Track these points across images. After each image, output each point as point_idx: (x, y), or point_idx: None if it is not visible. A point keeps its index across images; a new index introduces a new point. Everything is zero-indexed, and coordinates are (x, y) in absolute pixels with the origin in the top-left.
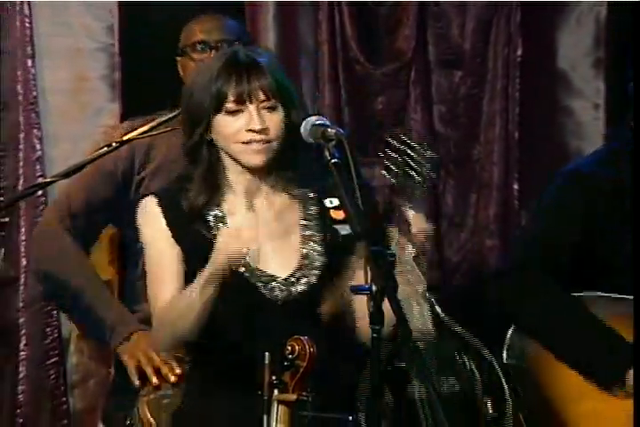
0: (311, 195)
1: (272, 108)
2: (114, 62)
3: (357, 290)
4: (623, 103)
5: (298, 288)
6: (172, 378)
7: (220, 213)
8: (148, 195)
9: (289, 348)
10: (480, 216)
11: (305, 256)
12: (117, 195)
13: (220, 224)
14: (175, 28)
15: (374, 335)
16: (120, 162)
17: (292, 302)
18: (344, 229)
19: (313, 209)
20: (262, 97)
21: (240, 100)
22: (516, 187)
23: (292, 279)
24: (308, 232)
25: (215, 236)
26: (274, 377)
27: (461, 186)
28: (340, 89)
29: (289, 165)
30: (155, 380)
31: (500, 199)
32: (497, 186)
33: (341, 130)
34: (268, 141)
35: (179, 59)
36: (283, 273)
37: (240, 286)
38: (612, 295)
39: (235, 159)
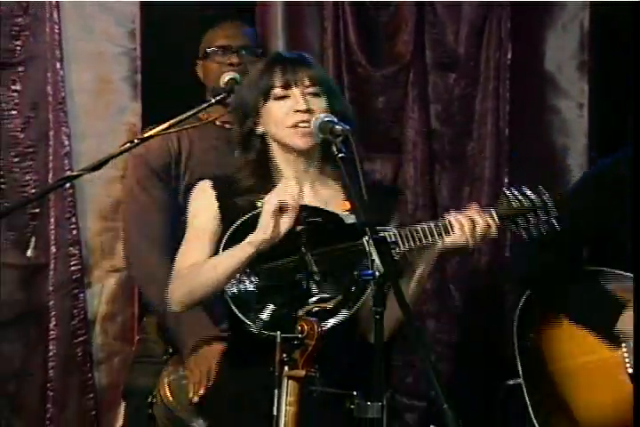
0: (335, 190)
1: (316, 94)
2: (135, 65)
3: (361, 275)
4: (606, 103)
5: None
6: (195, 399)
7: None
8: (203, 179)
9: (299, 328)
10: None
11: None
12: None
13: None
14: (191, 34)
15: (376, 317)
16: (167, 160)
17: None
18: (349, 218)
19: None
20: (307, 82)
21: (286, 86)
22: (506, 180)
23: None
24: (350, 221)
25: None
26: (284, 355)
27: (456, 179)
28: (343, 90)
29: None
30: (195, 398)
31: (492, 192)
32: (488, 179)
33: (348, 126)
34: None
35: (199, 62)
36: None
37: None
38: (616, 271)
39: (283, 145)
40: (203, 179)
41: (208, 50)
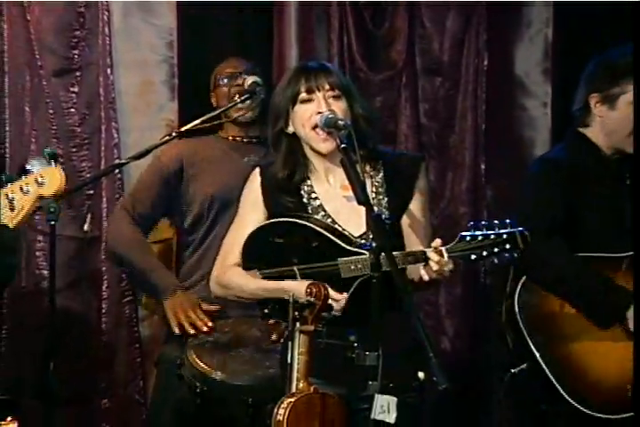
0: (372, 173)
1: (337, 97)
2: (173, 71)
3: (361, 247)
4: (566, 102)
5: (367, 242)
6: (205, 329)
7: (308, 186)
8: (257, 166)
9: (308, 290)
10: (455, 190)
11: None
12: (170, 192)
13: (312, 193)
14: (219, 45)
15: (374, 281)
16: (172, 166)
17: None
18: (351, 199)
19: (376, 182)
20: (327, 87)
21: (310, 91)
22: (483, 167)
23: (365, 236)
24: (372, 202)
25: (304, 204)
26: (296, 313)
27: (440, 166)
28: None
29: (355, 149)
30: (191, 331)
31: (471, 177)
32: (468, 166)
33: (349, 122)
34: None
35: (212, 93)
36: (356, 232)
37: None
38: (602, 255)
39: (310, 146)
40: (257, 166)
41: (218, 78)
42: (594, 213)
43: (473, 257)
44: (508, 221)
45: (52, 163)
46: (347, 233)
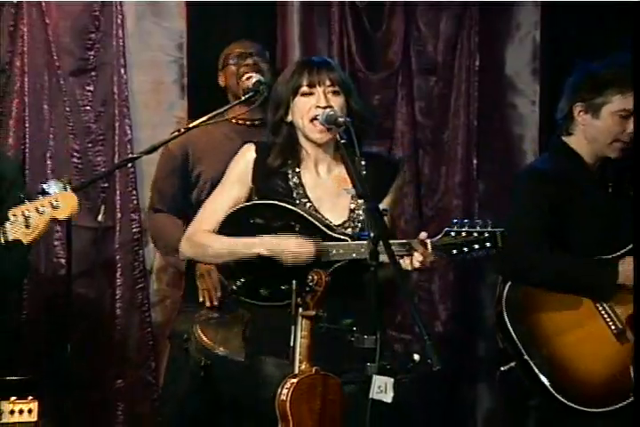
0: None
1: (336, 93)
2: (182, 71)
3: (359, 236)
4: (553, 100)
5: (347, 232)
6: (207, 303)
7: (296, 173)
8: (249, 142)
9: (310, 277)
10: (448, 183)
11: (352, 211)
12: (184, 177)
13: (299, 179)
14: (226, 46)
15: (372, 269)
16: (178, 152)
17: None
18: (350, 191)
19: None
20: (328, 83)
21: (311, 85)
22: (475, 161)
23: (345, 225)
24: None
25: (290, 188)
26: (299, 299)
27: (435, 160)
28: None
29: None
30: (200, 299)
31: (463, 171)
32: (461, 161)
33: (348, 118)
34: None
35: (220, 73)
36: (337, 221)
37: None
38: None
39: (305, 136)
40: (249, 142)
41: (227, 57)
42: (580, 221)
43: (454, 251)
44: (489, 221)
45: (68, 188)
46: (327, 221)
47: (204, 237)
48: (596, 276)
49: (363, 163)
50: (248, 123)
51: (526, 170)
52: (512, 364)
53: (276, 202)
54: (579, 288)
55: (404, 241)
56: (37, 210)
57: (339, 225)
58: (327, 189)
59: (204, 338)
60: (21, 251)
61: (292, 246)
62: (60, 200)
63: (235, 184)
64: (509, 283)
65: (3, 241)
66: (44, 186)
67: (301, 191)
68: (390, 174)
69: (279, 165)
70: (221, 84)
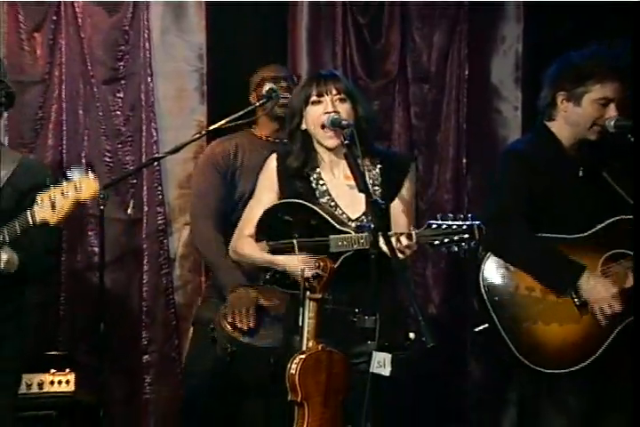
0: (370, 167)
1: (342, 100)
2: (203, 79)
3: (361, 227)
4: (533, 106)
5: (364, 224)
6: (245, 328)
7: (316, 174)
8: (273, 152)
9: (316, 264)
10: (440, 179)
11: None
12: (227, 184)
13: (319, 180)
14: (242, 57)
15: (372, 257)
16: (222, 161)
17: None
18: (352, 187)
19: (373, 175)
20: (335, 91)
21: (320, 94)
22: (464, 160)
23: (361, 218)
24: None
25: (312, 189)
26: (307, 283)
27: (429, 159)
28: None
29: (356, 145)
30: (244, 327)
31: (454, 168)
32: (452, 160)
33: (352, 121)
34: None
35: (253, 92)
36: (354, 215)
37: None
38: (559, 236)
39: (318, 141)
40: (273, 152)
41: (261, 81)
42: (552, 201)
43: (436, 242)
44: (469, 215)
45: (89, 173)
46: (345, 215)
47: (246, 247)
48: (558, 274)
49: (377, 160)
50: (277, 140)
51: (505, 150)
52: (485, 325)
53: (298, 200)
54: (541, 279)
55: (392, 233)
56: (62, 193)
57: (356, 218)
58: (343, 187)
59: (229, 328)
60: (52, 232)
61: (298, 264)
62: (82, 184)
63: (264, 191)
64: (487, 257)
65: (31, 222)
66: (68, 173)
67: (323, 189)
68: (402, 169)
69: (298, 166)
70: (252, 102)
